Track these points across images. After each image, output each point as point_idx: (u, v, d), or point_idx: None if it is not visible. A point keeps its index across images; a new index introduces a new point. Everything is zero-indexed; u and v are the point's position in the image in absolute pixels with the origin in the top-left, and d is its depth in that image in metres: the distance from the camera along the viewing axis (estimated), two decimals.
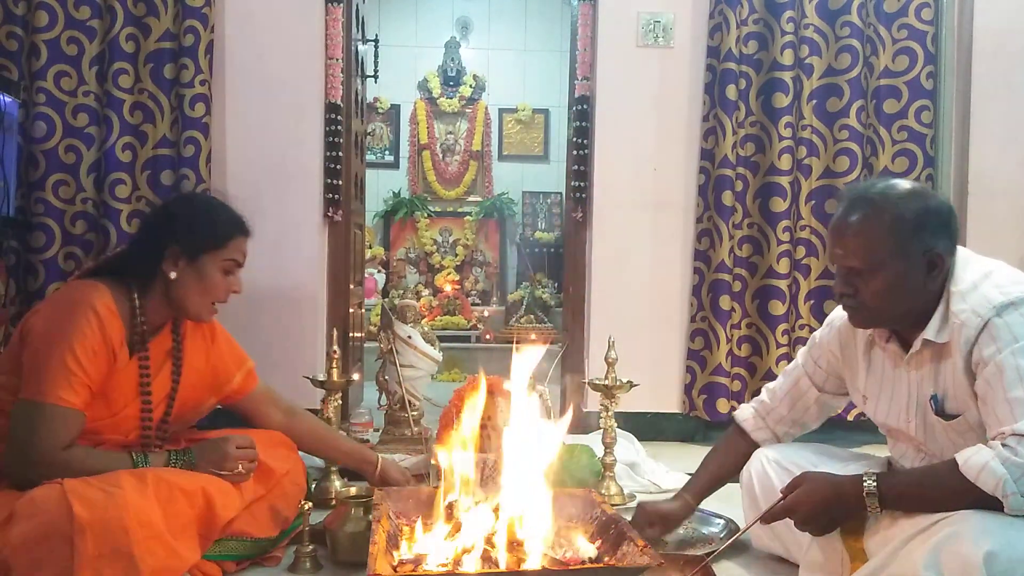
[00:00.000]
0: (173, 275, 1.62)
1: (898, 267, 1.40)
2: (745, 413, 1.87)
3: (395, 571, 1.32)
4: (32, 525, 1.34)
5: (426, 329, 2.66)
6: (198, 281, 1.64)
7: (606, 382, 2.25)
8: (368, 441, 2.53)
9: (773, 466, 1.73)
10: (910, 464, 1.55)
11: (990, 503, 1.24)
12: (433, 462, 2.00)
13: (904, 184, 1.46)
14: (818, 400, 1.76)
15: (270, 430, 1.86)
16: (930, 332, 1.42)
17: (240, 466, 1.61)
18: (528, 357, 1.55)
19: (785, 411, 1.80)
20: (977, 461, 1.26)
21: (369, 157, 5.22)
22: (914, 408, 1.48)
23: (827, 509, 1.41)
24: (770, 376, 3.02)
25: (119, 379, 1.60)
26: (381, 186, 6.58)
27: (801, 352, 1.79)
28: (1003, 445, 1.25)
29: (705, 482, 1.84)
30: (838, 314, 1.66)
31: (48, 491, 1.38)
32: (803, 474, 1.49)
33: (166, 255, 1.63)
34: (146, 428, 1.66)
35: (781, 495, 1.49)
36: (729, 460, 1.85)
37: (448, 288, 6.26)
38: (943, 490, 1.30)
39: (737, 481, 1.82)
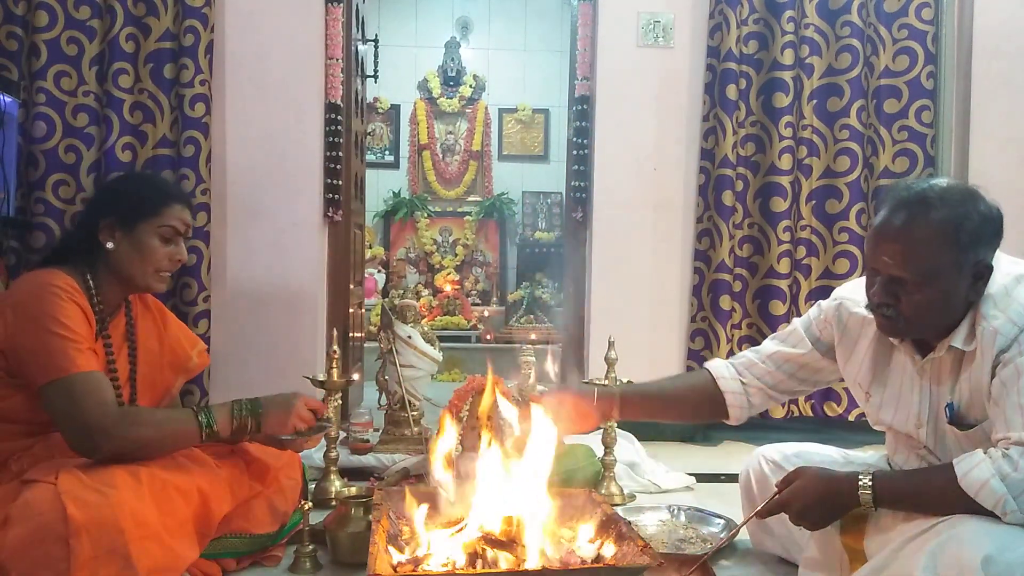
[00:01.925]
0: (110, 245, 1.63)
1: (950, 279, 1.31)
2: (718, 362, 1.73)
3: (395, 571, 1.31)
4: (27, 528, 1.33)
5: (426, 329, 2.65)
6: (136, 250, 1.64)
7: (606, 382, 2.25)
8: (368, 441, 2.53)
9: (771, 467, 1.73)
10: (912, 468, 1.51)
11: (987, 512, 1.23)
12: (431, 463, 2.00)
13: (958, 186, 1.35)
14: (815, 364, 1.63)
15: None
16: (957, 339, 1.35)
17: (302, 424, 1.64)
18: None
19: (772, 367, 1.66)
20: (977, 477, 1.23)
21: (369, 157, 5.22)
22: (926, 414, 1.43)
23: (821, 504, 1.40)
24: None
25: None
26: (381, 186, 6.58)
27: (800, 319, 1.68)
28: (1004, 455, 1.23)
29: (646, 385, 1.70)
30: (848, 296, 1.57)
31: (42, 493, 1.37)
32: (798, 469, 1.47)
33: (101, 227, 1.63)
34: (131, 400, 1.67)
35: (776, 489, 1.48)
36: (681, 386, 1.74)
37: (448, 288, 6.25)
38: (940, 497, 1.28)
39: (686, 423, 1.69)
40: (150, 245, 1.65)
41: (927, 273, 1.31)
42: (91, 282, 1.62)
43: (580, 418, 1.64)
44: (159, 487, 1.46)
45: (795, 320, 1.70)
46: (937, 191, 1.33)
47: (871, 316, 1.45)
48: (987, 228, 1.32)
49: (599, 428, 1.66)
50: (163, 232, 1.66)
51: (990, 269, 1.34)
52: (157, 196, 1.68)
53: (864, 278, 1.44)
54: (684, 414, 1.73)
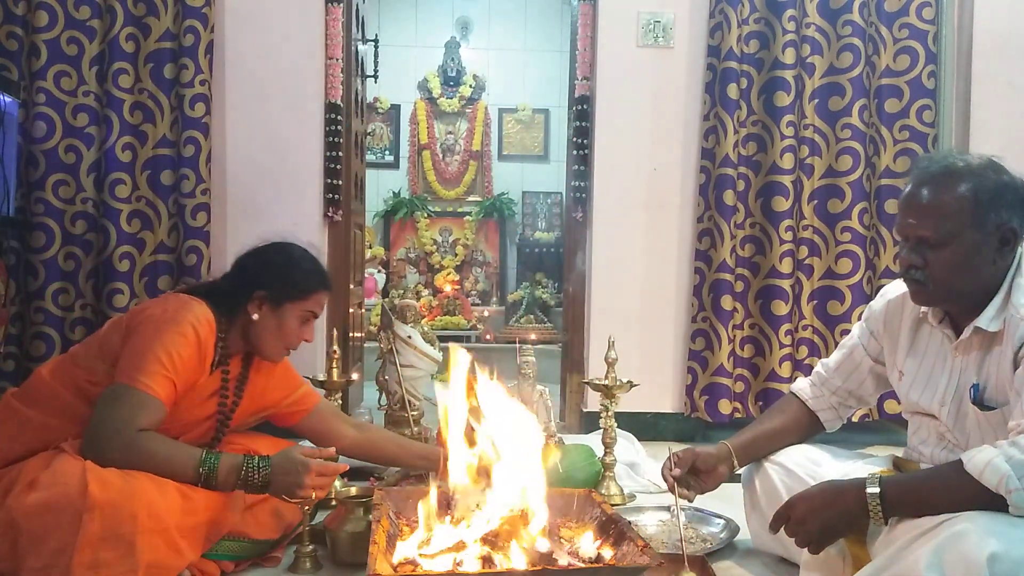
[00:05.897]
0: (256, 316, 1.72)
1: (972, 239, 1.38)
2: (801, 383, 1.84)
3: (395, 571, 1.31)
4: (48, 494, 1.38)
5: (426, 329, 2.65)
6: (276, 327, 1.74)
7: (606, 382, 2.25)
8: None
9: (775, 466, 1.73)
10: (930, 451, 1.54)
11: (995, 504, 1.22)
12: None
13: (981, 156, 1.44)
14: (872, 370, 1.72)
15: (278, 439, 1.90)
16: (983, 320, 1.40)
17: (314, 494, 1.60)
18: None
19: (840, 382, 1.76)
20: (982, 458, 1.25)
21: (369, 157, 5.22)
22: (951, 394, 1.47)
23: (826, 507, 1.38)
24: (773, 377, 3.01)
25: (202, 385, 1.68)
26: (381, 186, 6.58)
27: (856, 325, 1.77)
28: (1012, 442, 1.24)
29: (750, 435, 1.78)
30: (892, 288, 1.66)
31: (70, 465, 1.42)
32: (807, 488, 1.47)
33: (253, 298, 1.72)
34: (220, 427, 1.75)
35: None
36: (779, 418, 1.80)
37: (448, 288, 6.25)
38: (948, 489, 1.28)
39: (784, 444, 1.76)
40: (290, 326, 1.75)
41: (950, 231, 1.38)
42: (223, 329, 1.71)
43: (709, 474, 1.74)
44: (187, 484, 1.51)
45: (855, 326, 1.77)
46: (960, 158, 1.42)
47: (908, 296, 1.52)
48: (1008, 192, 1.39)
49: (723, 480, 1.78)
50: (304, 316, 1.77)
51: (1015, 233, 1.39)
52: (310, 281, 1.77)
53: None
54: (790, 439, 1.79)
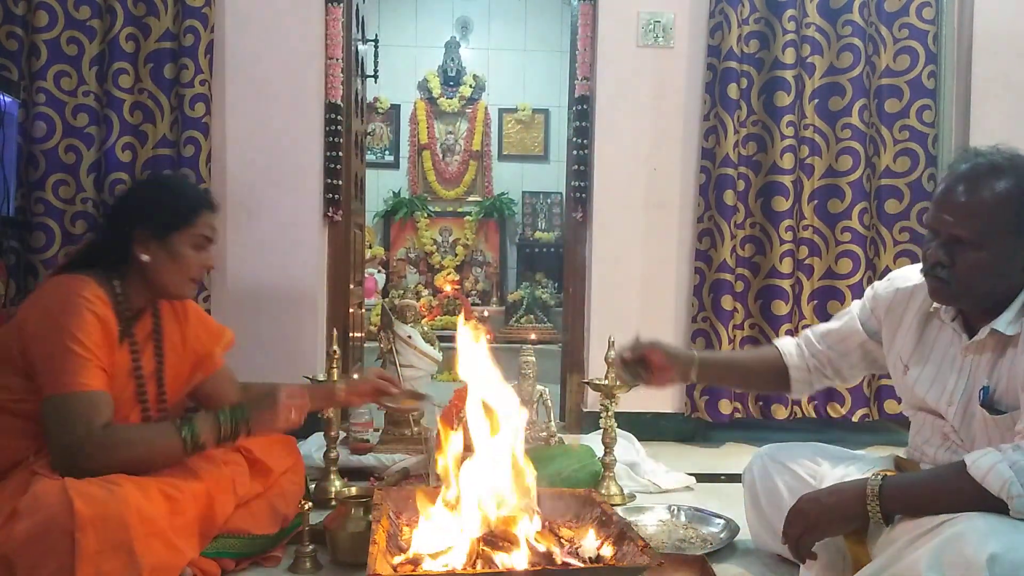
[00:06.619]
0: (146, 258, 1.63)
1: (1008, 245, 1.33)
2: (786, 340, 1.79)
3: (395, 571, 1.31)
4: (34, 521, 1.34)
5: (426, 329, 2.65)
6: (171, 261, 1.65)
7: (606, 382, 2.25)
8: (368, 441, 2.52)
9: (775, 466, 1.73)
10: (933, 452, 1.52)
11: (996, 507, 1.22)
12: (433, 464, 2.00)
13: None
14: (863, 346, 1.67)
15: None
16: (1001, 323, 1.37)
17: (293, 412, 1.63)
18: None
19: (823, 347, 1.70)
20: (985, 462, 1.23)
21: (369, 157, 5.22)
22: (959, 393, 1.44)
23: (826, 497, 1.38)
24: None
25: (115, 364, 1.61)
26: (381, 186, 6.58)
27: (855, 302, 1.71)
28: (1016, 447, 1.23)
29: (720, 356, 1.76)
30: (901, 276, 1.61)
31: (50, 487, 1.38)
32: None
33: (135, 240, 1.63)
34: (144, 408, 1.67)
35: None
36: (753, 358, 1.79)
37: (448, 288, 6.25)
38: (949, 491, 1.27)
39: (756, 389, 1.73)
40: (184, 255, 1.66)
41: (987, 233, 1.33)
42: (119, 289, 1.63)
43: (659, 371, 1.69)
44: (168, 485, 1.48)
45: (854, 302, 1.72)
46: (1006, 157, 1.36)
47: (919, 288, 1.49)
48: None
49: (672, 385, 1.78)
50: (196, 241, 1.68)
51: None
52: (190, 205, 1.68)
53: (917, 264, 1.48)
54: (753, 383, 1.80)
